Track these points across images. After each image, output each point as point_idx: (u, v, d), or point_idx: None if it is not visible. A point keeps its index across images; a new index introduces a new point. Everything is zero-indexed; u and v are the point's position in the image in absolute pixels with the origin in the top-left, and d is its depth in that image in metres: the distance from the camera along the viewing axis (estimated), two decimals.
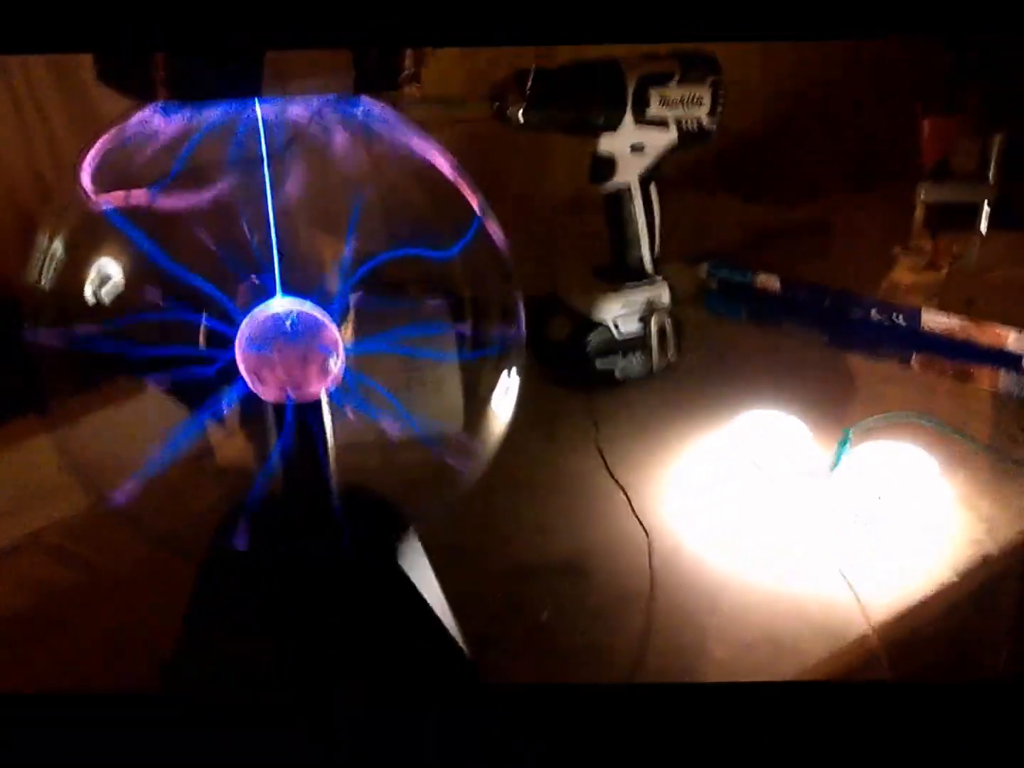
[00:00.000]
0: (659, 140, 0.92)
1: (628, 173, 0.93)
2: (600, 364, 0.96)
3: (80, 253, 0.49)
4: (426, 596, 0.54)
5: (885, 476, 0.77)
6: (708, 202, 1.29)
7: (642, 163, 0.93)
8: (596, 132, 0.90)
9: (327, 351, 0.49)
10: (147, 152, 0.46)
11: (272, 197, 0.44)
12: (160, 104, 0.44)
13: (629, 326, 0.96)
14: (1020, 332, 0.94)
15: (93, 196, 0.45)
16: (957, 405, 0.93)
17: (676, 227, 1.00)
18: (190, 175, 0.44)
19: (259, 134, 0.43)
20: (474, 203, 0.50)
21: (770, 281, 1.10)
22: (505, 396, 0.56)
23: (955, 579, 0.71)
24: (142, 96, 0.44)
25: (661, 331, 0.97)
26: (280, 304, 0.48)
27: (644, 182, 0.94)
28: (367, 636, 0.54)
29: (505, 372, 0.55)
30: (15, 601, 0.71)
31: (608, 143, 0.91)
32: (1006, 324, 0.96)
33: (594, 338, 0.96)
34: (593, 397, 0.94)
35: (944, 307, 1.02)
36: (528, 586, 0.70)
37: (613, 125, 0.89)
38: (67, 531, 0.79)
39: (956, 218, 1.13)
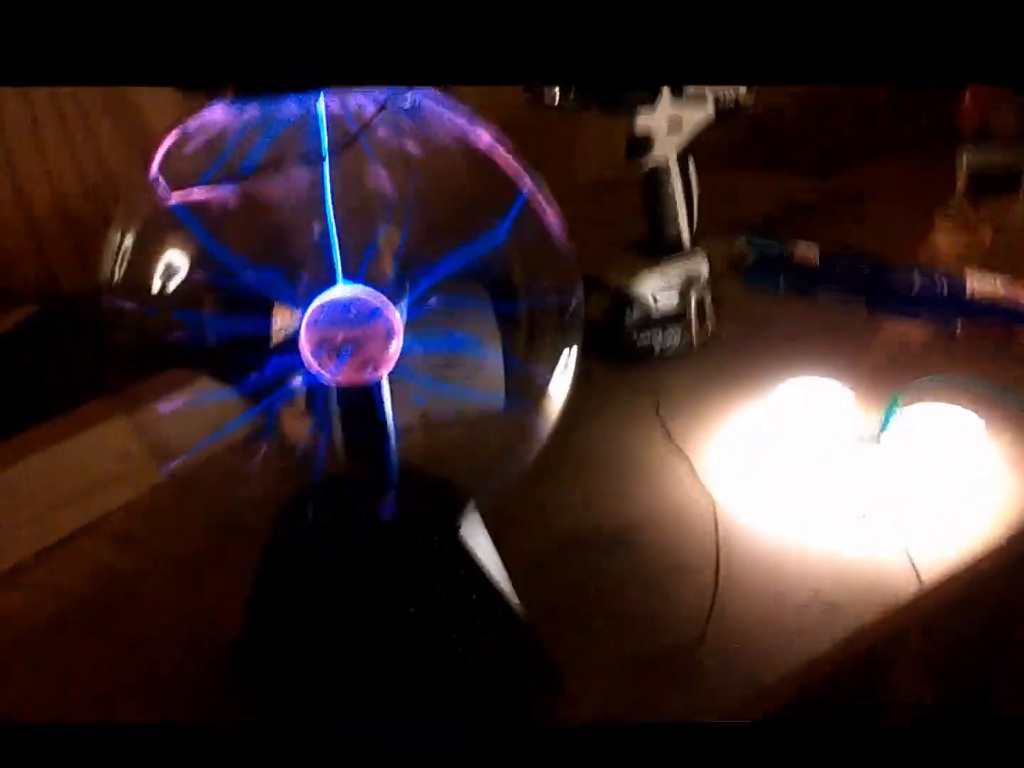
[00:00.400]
0: (696, 115, 0.93)
1: (666, 149, 0.93)
2: (640, 339, 0.97)
3: (149, 247, 0.50)
4: (490, 572, 0.56)
5: (934, 439, 0.77)
6: (742, 175, 1.29)
7: (679, 139, 0.93)
8: (634, 110, 0.91)
9: (388, 335, 0.50)
10: (212, 146, 0.47)
11: (331, 187, 0.45)
12: (228, 100, 0.45)
13: (668, 300, 0.97)
14: None
15: (165, 193, 0.46)
16: (1002, 368, 0.93)
17: (710, 201, 1.01)
18: (258, 168, 0.45)
19: (321, 126, 0.45)
20: (522, 183, 0.51)
21: (808, 252, 1.10)
22: (564, 372, 0.57)
23: (1005, 540, 0.71)
24: (208, 92, 0.46)
25: (700, 304, 0.98)
26: (341, 291, 0.50)
27: (682, 157, 0.94)
28: (431, 615, 0.55)
29: (565, 349, 0.56)
30: (83, 586, 0.73)
31: (645, 120, 0.91)
32: None
33: (633, 313, 0.97)
34: (647, 371, 0.95)
35: (988, 273, 1.02)
36: (583, 557, 0.71)
37: (651, 100, 0.90)
38: (131, 515, 0.81)
39: (997, 182, 1.13)
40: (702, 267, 0.98)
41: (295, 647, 0.58)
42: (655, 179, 0.95)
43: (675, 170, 0.94)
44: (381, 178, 0.47)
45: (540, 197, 0.52)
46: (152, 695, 0.62)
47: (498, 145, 0.51)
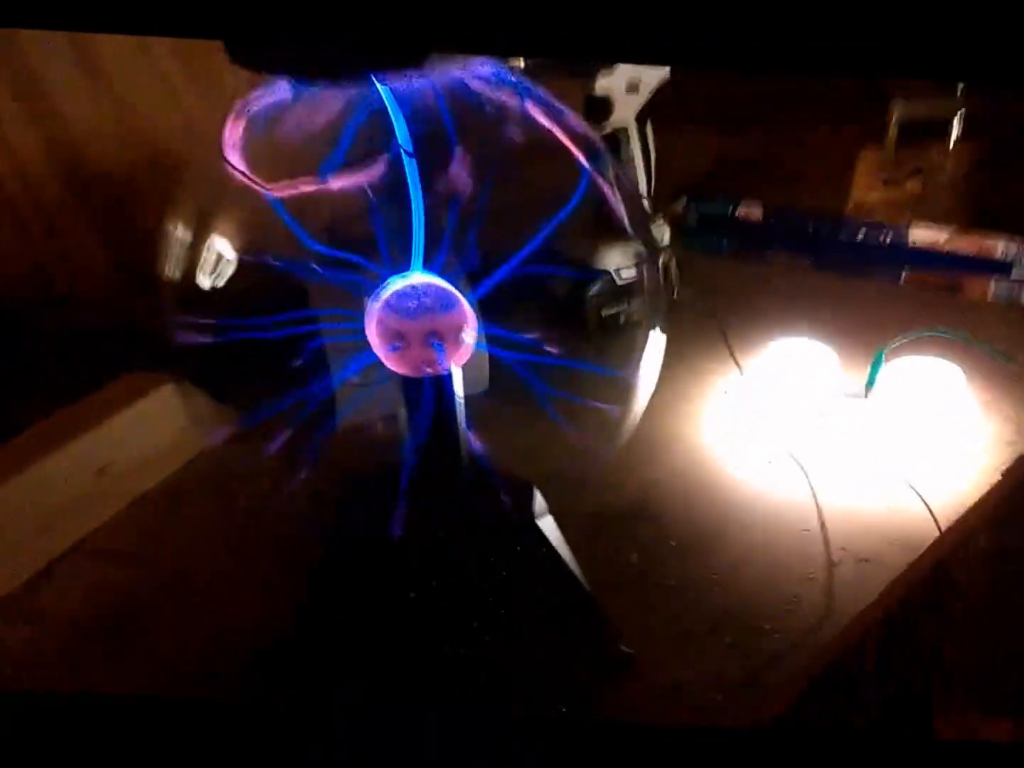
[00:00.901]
0: (653, 76, 0.92)
1: (625, 113, 0.92)
2: (605, 311, 0.97)
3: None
4: (567, 561, 0.55)
5: (918, 391, 0.80)
6: (672, 137, 1.29)
7: (638, 101, 0.93)
8: (591, 71, 0.89)
9: (462, 325, 0.48)
10: (295, 132, 0.44)
11: (417, 177, 0.43)
12: (305, 83, 0.42)
13: (631, 271, 0.97)
14: (1008, 240, 0.97)
15: (257, 184, 0.43)
16: (954, 317, 0.96)
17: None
18: (350, 162, 0.43)
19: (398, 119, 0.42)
20: (582, 162, 0.50)
21: (753, 211, 1.12)
22: (654, 353, 0.56)
23: (999, 477, 0.75)
24: (289, 74, 0.42)
25: (665, 271, 0.98)
26: (418, 278, 0.47)
27: (640, 121, 0.94)
28: (511, 611, 0.54)
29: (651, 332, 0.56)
30: (82, 610, 0.69)
31: (604, 83, 0.90)
32: (986, 232, 1.00)
33: (597, 287, 0.96)
34: (616, 341, 0.95)
35: (926, 223, 1.05)
36: (609, 532, 0.71)
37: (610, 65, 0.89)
38: (117, 532, 0.77)
39: (925, 131, 1.17)
40: (664, 234, 0.98)
41: (360, 642, 0.56)
42: (615, 144, 0.94)
43: (635, 134, 0.94)
44: (461, 169, 0.45)
45: (604, 179, 0.51)
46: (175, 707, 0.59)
47: (561, 128, 0.50)
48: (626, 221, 0.91)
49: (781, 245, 1.11)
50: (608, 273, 0.95)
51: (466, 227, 0.48)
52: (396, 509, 0.53)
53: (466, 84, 0.45)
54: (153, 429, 0.82)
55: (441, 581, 0.53)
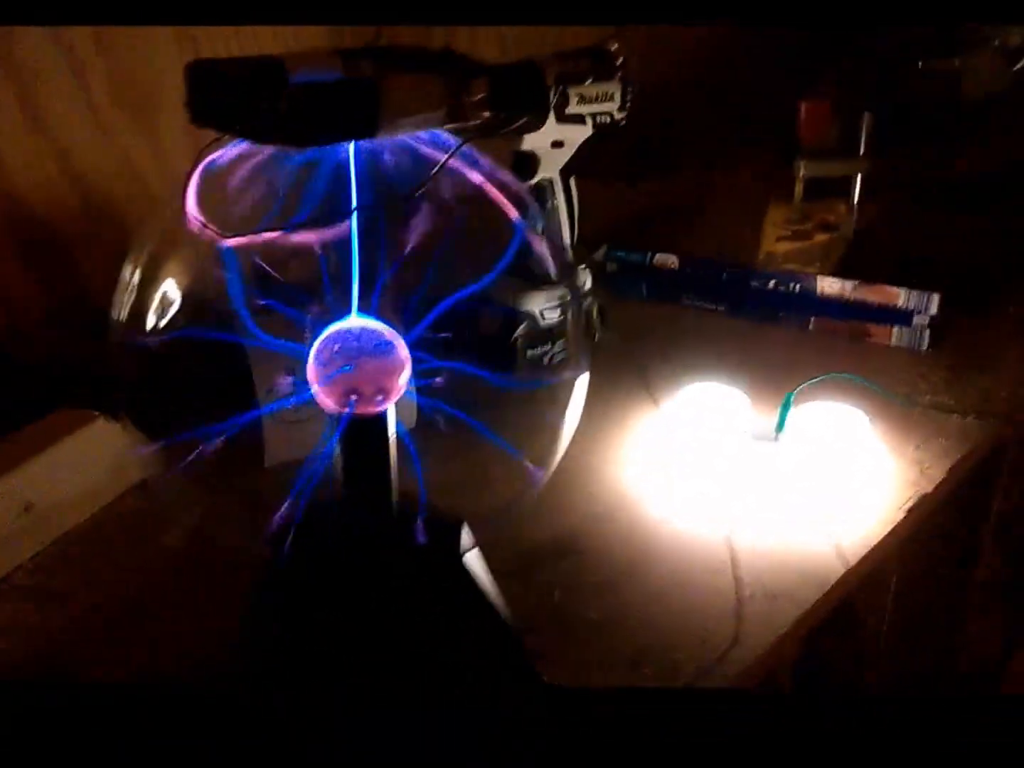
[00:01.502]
0: (577, 135, 0.96)
1: (550, 168, 0.96)
2: (530, 353, 1.00)
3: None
4: (489, 594, 0.57)
5: (825, 434, 0.84)
6: (595, 188, 1.34)
7: (562, 157, 0.97)
8: (521, 132, 0.93)
9: (398, 366, 0.51)
10: (251, 185, 0.46)
11: (357, 227, 0.46)
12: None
13: (555, 314, 1.00)
14: (908, 290, 1.03)
15: (217, 235, 0.45)
16: (859, 362, 1.02)
17: None
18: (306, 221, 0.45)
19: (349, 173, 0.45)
20: (518, 220, 0.53)
21: (668, 260, 1.16)
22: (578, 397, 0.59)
23: (903, 515, 0.79)
24: (250, 138, 0.45)
25: (587, 315, 1.02)
26: (355, 322, 0.50)
27: (564, 175, 0.98)
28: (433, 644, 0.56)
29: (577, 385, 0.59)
30: (10, 648, 0.69)
31: (531, 141, 0.94)
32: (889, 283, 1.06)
33: (523, 329, 0.99)
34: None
35: (825, 272, 1.11)
36: (535, 570, 0.73)
37: (538, 126, 0.93)
38: (41, 569, 0.76)
39: (829, 188, 1.24)
40: (586, 280, 1.02)
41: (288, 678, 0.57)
42: (541, 197, 0.98)
43: (559, 187, 0.98)
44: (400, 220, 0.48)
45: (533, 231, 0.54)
46: None
47: (494, 184, 0.53)
48: (551, 267, 0.95)
49: (696, 292, 1.15)
50: (532, 316, 0.99)
51: (403, 273, 0.50)
52: (327, 544, 0.55)
53: (411, 145, 0.48)
54: (81, 466, 0.82)
55: (364, 615, 0.55)
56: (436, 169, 0.47)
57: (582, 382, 0.60)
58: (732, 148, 1.42)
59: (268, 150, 0.45)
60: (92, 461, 0.82)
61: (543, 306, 0.99)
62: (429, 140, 0.49)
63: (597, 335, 1.03)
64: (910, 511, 0.79)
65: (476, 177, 0.50)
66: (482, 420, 0.55)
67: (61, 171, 1.01)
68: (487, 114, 0.49)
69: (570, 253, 1.01)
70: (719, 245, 1.26)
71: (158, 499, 0.77)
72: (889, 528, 0.77)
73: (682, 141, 1.41)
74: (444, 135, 0.49)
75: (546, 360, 1.01)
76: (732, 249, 1.26)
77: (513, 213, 0.52)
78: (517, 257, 0.56)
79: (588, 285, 1.02)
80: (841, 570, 0.73)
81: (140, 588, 0.75)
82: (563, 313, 1.01)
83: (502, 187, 0.52)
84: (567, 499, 0.81)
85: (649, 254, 1.18)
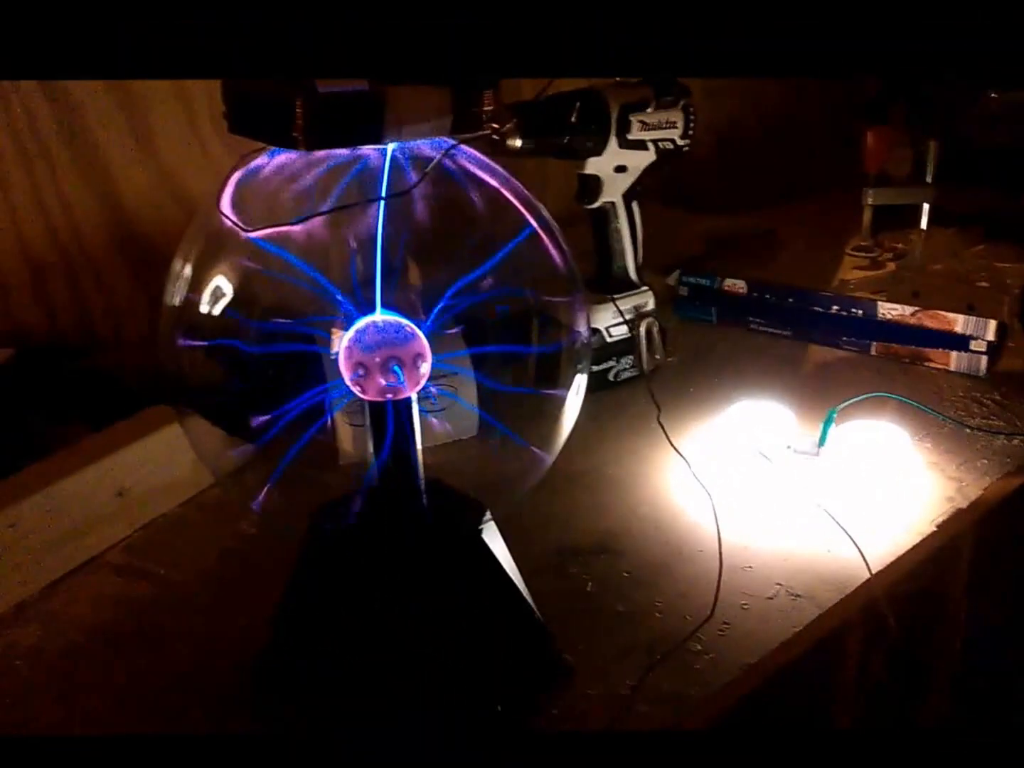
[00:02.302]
0: (640, 160, 1.02)
1: (613, 191, 1.02)
2: (595, 368, 1.05)
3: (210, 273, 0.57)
4: (508, 572, 0.63)
5: (865, 450, 0.87)
6: (668, 214, 1.39)
7: (625, 182, 1.02)
8: (584, 156, 0.99)
9: (420, 356, 0.57)
10: (279, 187, 0.54)
11: (383, 228, 0.52)
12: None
13: (619, 331, 1.06)
14: (966, 316, 1.05)
15: (243, 229, 0.52)
16: (916, 384, 1.04)
17: (646, 240, 1.09)
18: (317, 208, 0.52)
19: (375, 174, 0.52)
20: (540, 231, 0.59)
21: (736, 285, 1.20)
22: (576, 395, 0.64)
23: (934, 529, 0.81)
24: (276, 143, 0.52)
25: (648, 335, 1.07)
26: (380, 317, 0.56)
27: (627, 199, 1.03)
28: (456, 615, 0.62)
29: (577, 373, 0.64)
30: (92, 615, 0.77)
31: (594, 165, 1.00)
32: (950, 310, 1.07)
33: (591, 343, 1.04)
34: (604, 396, 1.03)
35: (893, 299, 1.13)
36: (572, 563, 0.78)
37: (599, 150, 0.99)
38: (130, 550, 0.85)
39: (898, 218, 1.26)
40: (649, 301, 1.07)
41: (325, 649, 0.63)
42: (604, 219, 1.03)
43: (622, 211, 1.03)
44: (415, 219, 0.54)
45: (547, 236, 0.60)
46: (167, 716, 0.66)
47: (508, 190, 0.59)
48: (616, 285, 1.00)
49: (763, 316, 1.19)
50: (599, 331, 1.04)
51: (417, 274, 0.56)
52: (361, 521, 0.62)
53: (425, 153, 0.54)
54: (170, 458, 0.90)
55: (395, 587, 0.61)
56: (429, 167, 0.53)
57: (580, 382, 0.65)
58: (810, 178, 1.45)
59: (293, 156, 0.53)
60: (179, 455, 0.90)
61: (609, 323, 1.05)
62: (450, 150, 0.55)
63: (659, 355, 1.07)
64: (941, 526, 0.81)
65: (485, 180, 0.57)
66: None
67: (169, 194, 1.11)
68: (496, 125, 0.54)
69: (634, 274, 1.06)
70: (800, 272, 1.29)
71: (238, 492, 0.84)
72: (918, 540, 0.79)
73: (760, 171, 1.45)
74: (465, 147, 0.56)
75: (611, 376, 1.06)
76: (812, 276, 1.29)
77: (521, 212, 0.58)
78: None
79: (651, 306, 1.07)
80: (864, 576, 0.75)
81: (216, 569, 0.82)
82: (630, 331, 1.06)
83: (515, 193, 0.58)
84: (611, 502, 0.86)
85: (718, 279, 1.22)
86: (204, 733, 0.64)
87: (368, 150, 0.53)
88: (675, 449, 0.87)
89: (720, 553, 0.76)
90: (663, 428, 0.89)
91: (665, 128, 1.02)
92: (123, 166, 1.10)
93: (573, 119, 0.95)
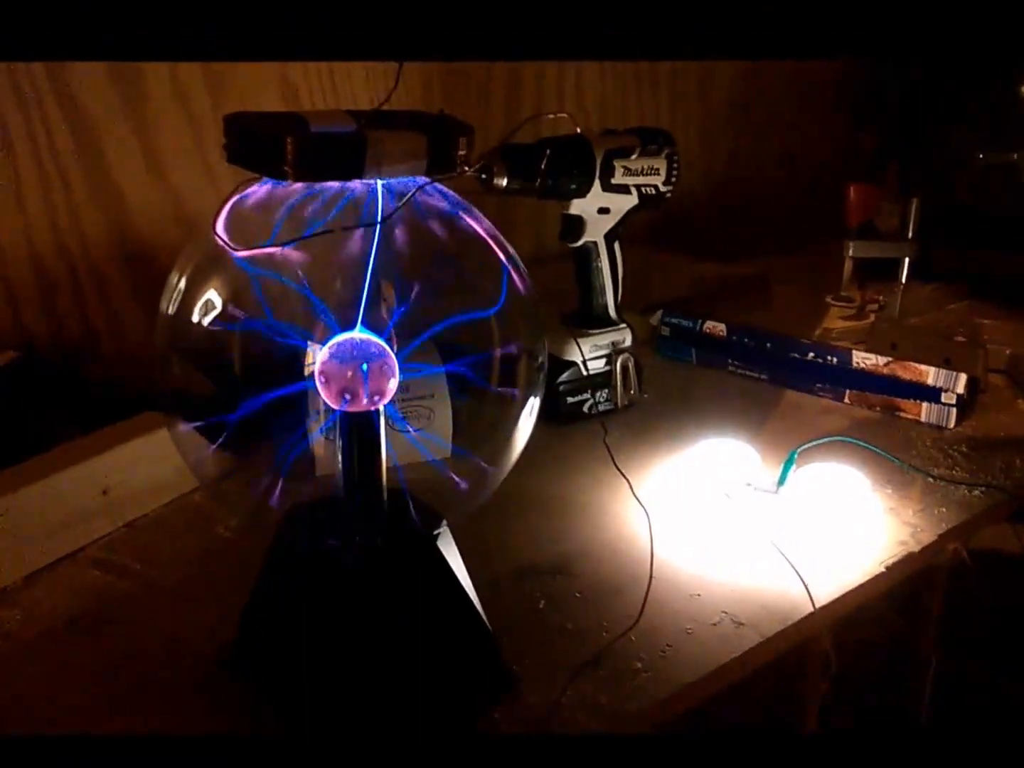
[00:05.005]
0: (622, 203, 1.06)
1: (595, 232, 1.06)
2: (571, 400, 1.09)
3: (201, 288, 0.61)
4: (461, 582, 0.66)
5: (823, 491, 0.90)
6: (656, 257, 1.44)
7: (608, 223, 1.07)
8: (568, 197, 1.04)
9: (390, 372, 0.61)
10: (269, 213, 0.58)
11: (373, 255, 0.57)
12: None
13: (596, 365, 1.09)
14: (938, 368, 1.08)
15: (234, 249, 0.57)
16: (886, 432, 1.07)
17: (629, 280, 1.14)
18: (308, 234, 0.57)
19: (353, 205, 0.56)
20: (506, 263, 0.63)
21: (717, 328, 1.24)
22: (529, 417, 0.68)
23: (883, 570, 0.84)
24: (268, 175, 0.57)
25: (624, 370, 1.11)
26: (357, 335, 0.60)
27: (609, 239, 1.08)
28: (408, 618, 0.65)
29: (532, 398, 0.68)
30: (71, 604, 0.80)
31: (578, 206, 1.05)
32: (925, 363, 1.11)
33: (566, 377, 1.08)
34: (577, 427, 1.06)
35: (871, 349, 1.17)
36: (528, 582, 0.82)
37: (583, 192, 1.03)
38: (110, 546, 0.88)
39: (879, 271, 1.30)
40: (627, 337, 1.11)
41: (285, 648, 0.67)
42: (586, 257, 1.08)
43: (604, 250, 1.07)
44: (394, 247, 0.58)
45: (515, 269, 0.64)
46: (138, 706, 0.69)
47: (485, 230, 0.63)
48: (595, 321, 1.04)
49: (741, 359, 1.23)
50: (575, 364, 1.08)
51: (391, 297, 0.60)
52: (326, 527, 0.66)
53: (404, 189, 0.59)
54: (156, 462, 0.94)
55: (351, 588, 0.64)
56: (404, 201, 0.57)
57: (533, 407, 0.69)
58: (804, 227, 1.49)
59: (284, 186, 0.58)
60: (165, 459, 0.94)
61: (587, 356, 1.08)
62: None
63: (634, 390, 1.11)
64: (890, 567, 0.84)
65: (458, 215, 0.61)
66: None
67: (174, 214, 1.16)
68: (467, 168, 0.58)
69: (613, 311, 1.11)
70: (785, 319, 1.33)
71: (218, 498, 0.88)
72: (865, 579, 0.82)
73: (754, 220, 1.49)
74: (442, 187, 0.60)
75: (587, 408, 1.10)
76: (798, 323, 1.33)
77: (497, 251, 0.62)
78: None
79: (628, 342, 1.11)
80: (808, 610, 0.78)
81: (191, 569, 0.85)
82: (607, 365, 1.10)
83: (484, 228, 0.63)
84: (572, 527, 0.90)
85: (700, 321, 1.26)
86: (167, 717, 0.68)
87: (354, 184, 0.58)
88: (618, 470, 0.90)
89: (651, 568, 0.80)
90: (608, 449, 0.92)
91: (648, 175, 1.06)
92: (133, 188, 1.15)
93: (543, 165, 0.99)
